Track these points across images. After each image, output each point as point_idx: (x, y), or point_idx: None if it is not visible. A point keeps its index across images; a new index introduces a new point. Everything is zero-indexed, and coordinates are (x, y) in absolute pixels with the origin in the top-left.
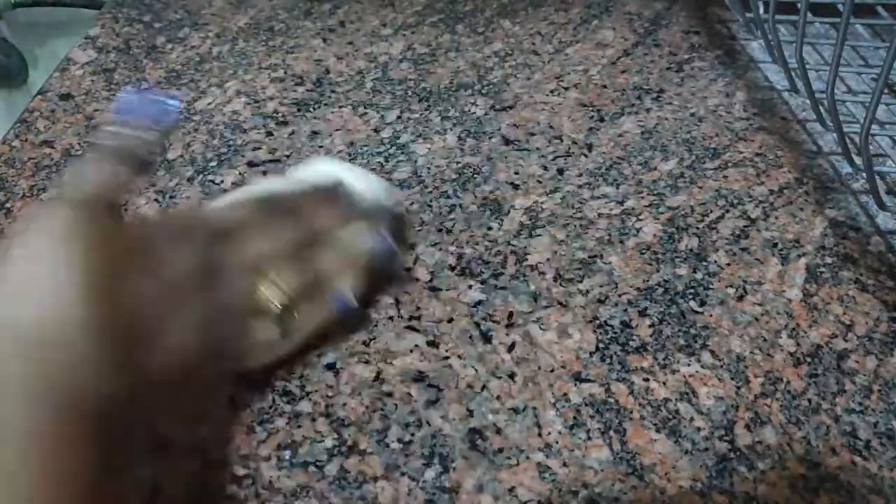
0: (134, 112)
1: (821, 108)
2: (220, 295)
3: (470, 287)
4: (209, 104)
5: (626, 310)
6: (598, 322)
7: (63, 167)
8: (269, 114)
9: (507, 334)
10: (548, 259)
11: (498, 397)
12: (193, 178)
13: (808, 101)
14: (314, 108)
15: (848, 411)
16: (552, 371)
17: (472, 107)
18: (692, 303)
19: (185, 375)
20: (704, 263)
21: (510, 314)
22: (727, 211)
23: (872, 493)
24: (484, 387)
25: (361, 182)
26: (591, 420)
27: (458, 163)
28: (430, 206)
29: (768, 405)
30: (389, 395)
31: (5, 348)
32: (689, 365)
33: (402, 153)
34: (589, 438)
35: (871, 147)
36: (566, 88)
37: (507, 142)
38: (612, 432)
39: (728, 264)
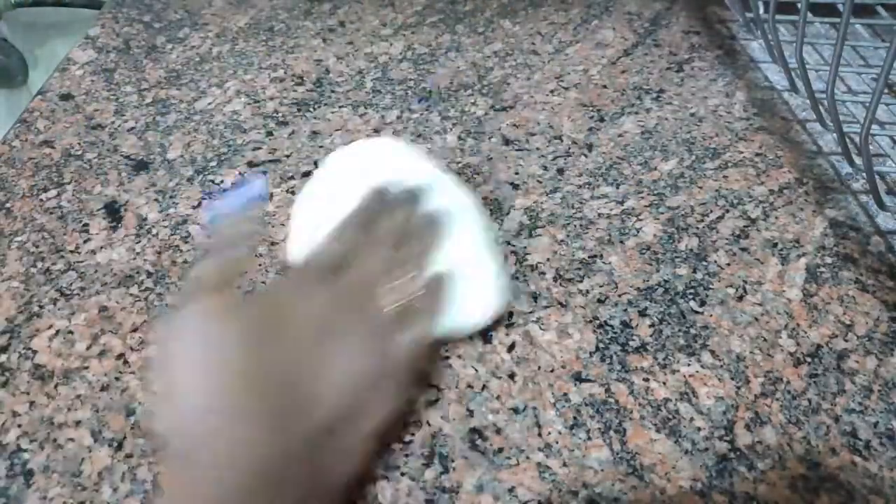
0: (223, 217)
1: (821, 108)
2: (362, 336)
3: None
4: (209, 104)
5: (626, 310)
6: (598, 322)
7: (63, 167)
8: (269, 114)
9: (507, 334)
10: (548, 259)
11: (498, 397)
12: (193, 178)
13: (808, 101)
14: (314, 108)
15: (848, 411)
16: (552, 371)
17: (472, 107)
18: (692, 303)
19: (342, 428)
20: (704, 263)
21: (510, 314)
22: (727, 211)
23: (872, 493)
24: (484, 387)
25: (412, 165)
26: (591, 420)
27: (458, 163)
28: None
29: (768, 405)
30: None
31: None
32: (689, 365)
33: None
34: (589, 438)
35: (871, 147)
36: (566, 88)
37: (507, 142)
38: (612, 432)
39: (728, 264)
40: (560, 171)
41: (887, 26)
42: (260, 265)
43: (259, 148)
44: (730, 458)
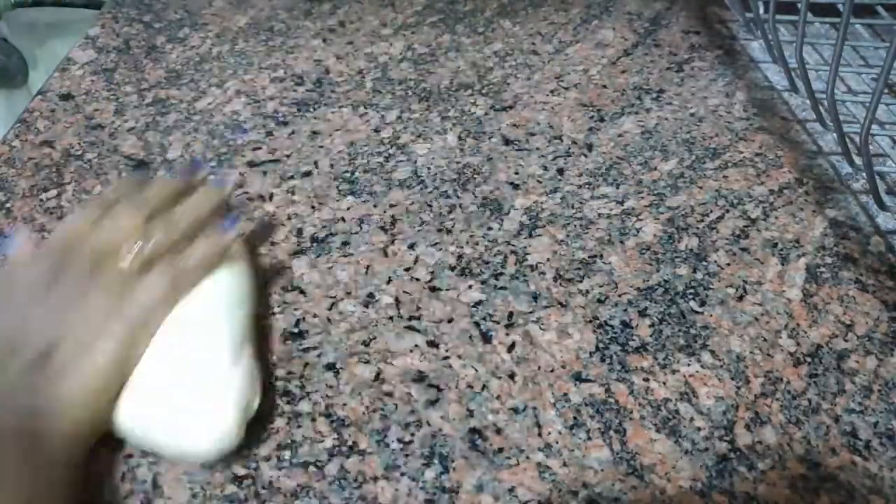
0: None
1: (821, 108)
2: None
3: (470, 287)
4: (209, 104)
5: (626, 310)
6: (598, 322)
7: (63, 167)
8: (269, 114)
9: (507, 334)
10: (548, 259)
11: (498, 397)
12: None
13: (808, 101)
14: (314, 108)
15: (848, 411)
16: (552, 371)
17: (472, 107)
18: (692, 303)
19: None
20: (704, 263)
21: (510, 314)
22: (727, 211)
23: (872, 493)
24: (484, 387)
25: None
26: (591, 420)
27: (458, 163)
28: (430, 206)
29: (768, 405)
30: (389, 395)
31: None
32: (689, 365)
33: (402, 153)
34: (589, 438)
35: (871, 147)
36: (566, 88)
37: (507, 142)
38: (612, 432)
39: (728, 264)
40: (560, 171)
41: (887, 26)
42: None
43: (259, 148)
44: (730, 458)
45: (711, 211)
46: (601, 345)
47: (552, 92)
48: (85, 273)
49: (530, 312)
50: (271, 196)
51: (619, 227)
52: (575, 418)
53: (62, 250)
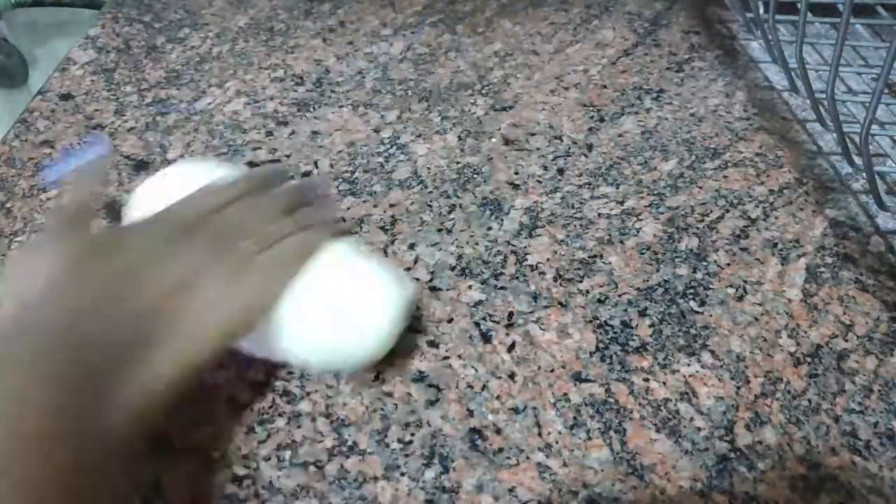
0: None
1: (821, 108)
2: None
3: (470, 287)
4: (209, 104)
5: (626, 310)
6: (598, 322)
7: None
8: (269, 114)
9: (507, 334)
10: (548, 259)
11: (498, 397)
12: None
13: (808, 101)
14: (314, 108)
15: (848, 411)
16: (552, 371)
17: (472, 107)
18: (692, 303)
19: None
20: (704, 263)
21: (510, 314)
22: (727, 211)
23: (872, 493)
24: (484, 387)
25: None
26: (591, 420)
27: (458, 163)
28: (430, 206)
29: (768, 405)
30: (389, 395)
31: None
32: (689, 365)
33: (402, 153)
34: (589, 438)
35: (871, 147)
36: (566, 88)
37: (507, 142)
38: (612, 432)
39: (728, 264)
40: (560, 171)
41: (887, 26)
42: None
43: (259, 148)
44: (730, 458)
45: (711, 211)
46: (601, 345)
47: (552, 92)
48: (209, 246)
49: (530, 312)
50: None
51: (619, 227)
52: (575, 418)
53: (190, 221)
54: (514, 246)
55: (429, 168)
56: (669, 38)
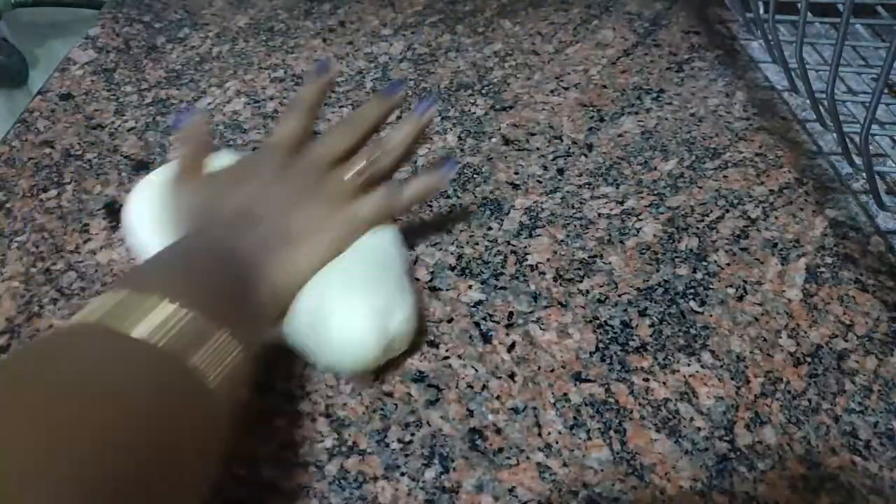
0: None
1: (821, 108)
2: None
3: (470, 287)
4: (209, 104)
5: (626, 310)
6: (598, 322)
7: (63, 167)
8: (269, 114)
9: (507, 334)
10: (548, 259)
11: (498, 397)
12: None
13: (808, 101)
14: None
15: (848, 411)
16: (552, 371)
17: (472, 107)
18: (692, 303)
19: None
20: (704, 263)
21: (510, 314)
22: (727, 211)
23: (872, 493)
24: (484, 387)
25: None
26: (591, 420)
27: (457, 163)
28: (430, 206)
29: (768, 405)
30: (389, 395)
31: None
32: (689, 365)
33: None
34: (589, 438)
35: (871, 147)
36: (566, 88)
37: (507, 142)
38: (612, 432)
39: (728, 264)
40: (560, 171)
41: (887, 26)
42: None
43: (259, 148)
44: (730, 458)
45: (711, 211)
46: (601, 345)
47: (552, 92)
48: (310, 178)
49: (530, 312)
50: None
51: (619, 227)
52: (575, 418)
53: (288, 151)
54: (514, 246)
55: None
56: (669, 38)
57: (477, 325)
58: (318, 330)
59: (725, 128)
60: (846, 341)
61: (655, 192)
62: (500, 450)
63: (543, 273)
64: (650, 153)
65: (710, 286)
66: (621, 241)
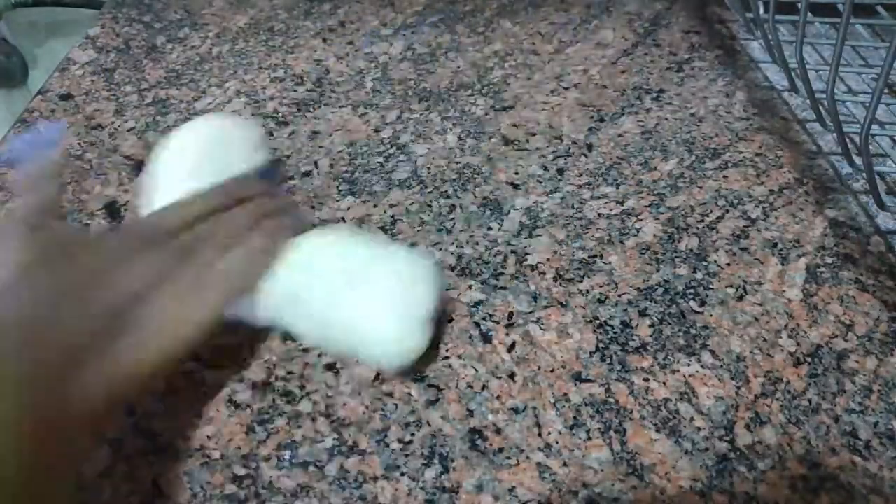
0: (24, 156)
1: (821, 108)
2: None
3: (470, 287)
4: (209, 104)
5: (626, 310)
6: (598, 322)
7: (63, 167)
8: (269, 114)
9: (507, 334)
10: (548, 259)
11: (498, 397)
12: None
13: (808, 101)
14: (314, 108)
15: (848, 411)
16: (552, 371)
17: (472, 107)
18: (692, 303)
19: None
20: (704, 263)
21: (510, 314)
22: (727, 211)
23: (872, 493)
24: (484, 387)
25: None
26: (591, 420)
27: (458, 163)
28: (430, 206)
29: (768, 405)
30: (389, 395)
31: None
32: (689, 365)
33: (402, 153)
34: (589, 438)
35: (871, 147)
36: (566, 88)
37: (507, 142)
38: (612, 432)
39: (728, 264)
40: (560, 171)
41: (887, 26)
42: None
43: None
44: (730, 458)
45: (711, 211)
46: (601, 345)
47: (552, 92)
48: (174, 258)
49: (530, 312)
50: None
51: (619, 227)
52: (575, 418)
53: (160, 235)
54: (514, 246)
55: (429, 168)
56: (669, 38)
57: (477, 325)
58: (355, 333)
59: (725, 128)
60: (846, 341)
61: (655, 192)
62: (500, 450)
63: (543, 273)
64: (650, 153)
65: (710, 286)
66: (621, 241)
